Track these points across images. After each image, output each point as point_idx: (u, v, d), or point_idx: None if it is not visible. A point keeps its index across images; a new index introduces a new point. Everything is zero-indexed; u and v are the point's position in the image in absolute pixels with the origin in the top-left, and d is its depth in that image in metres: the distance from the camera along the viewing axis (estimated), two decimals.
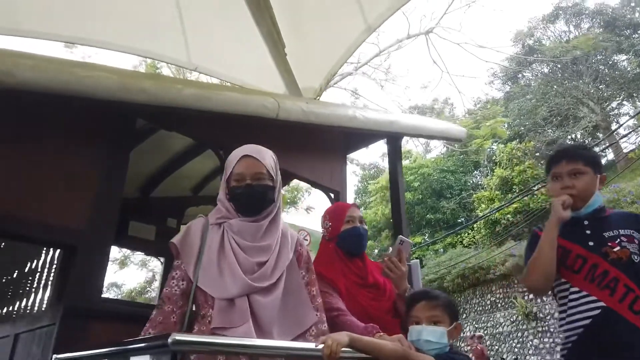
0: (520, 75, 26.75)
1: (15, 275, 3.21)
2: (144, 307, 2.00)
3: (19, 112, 2.14)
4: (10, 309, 3.03)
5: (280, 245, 1.78)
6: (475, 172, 24.87)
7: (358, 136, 3.69)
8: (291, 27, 4.81)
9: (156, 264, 18.42)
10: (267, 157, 1.84)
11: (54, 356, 1.70)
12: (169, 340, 1.16)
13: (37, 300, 2.71)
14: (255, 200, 1.78)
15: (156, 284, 19.20)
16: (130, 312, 2.27)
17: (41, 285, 2.73)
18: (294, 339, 1.65)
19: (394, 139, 3.80)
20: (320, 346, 1.47)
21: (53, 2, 4.57)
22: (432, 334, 1.76)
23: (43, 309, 2.60)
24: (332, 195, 3.49)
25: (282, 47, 4.68)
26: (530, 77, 26.65)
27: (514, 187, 18.48)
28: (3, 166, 2.11)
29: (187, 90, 2.45)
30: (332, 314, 2.01)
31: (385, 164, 27.61)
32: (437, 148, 27.32)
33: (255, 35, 4.51)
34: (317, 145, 3.43)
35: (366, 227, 2.38)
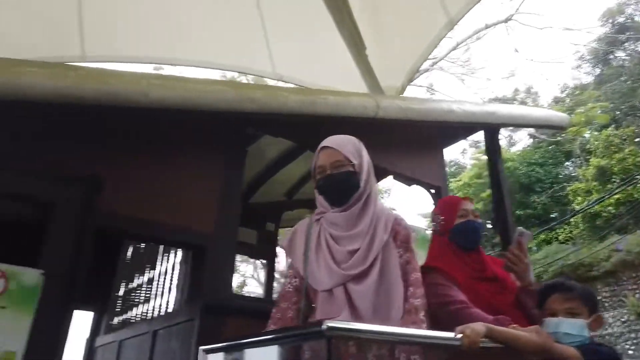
0: (611, 57, 24.66)
1: (146, 277, 3.53)
2: (272, 303, 2.12)
3: (151, 127, 2.37)
4: (145, 308, 3.34)
5: (374, 228, 1.77)
6: (566, 163, 23.23)
7: (455, 129, 3.63)
8: (371, 26, 4.85)
9: (246, 270, 19.19)
10: (346, 143, 1.84)
11: (200, 348, 1.84)
12: (323, 327, 1.23)
13: (170, 299, 2.96)
14: (337, 189, 1.79)
15: (247, 289, 19.97)
16: (259, 308, 2.40)
17: (171, 285, 2.98)
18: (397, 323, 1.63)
19: (492, 131, 3.70)
20: (459, 336, 1.47)
21: (147, 28, 5.02)
22: (571, 327, 1.68)
23: (177, 306, 2.84)
24: (432, 191, 3.46)
25: (363, 48, 4.73)
26: (624, 57, 24.46)
27: (614, 176, 17.01)
28: (138, 176, 2.34)
29: (292, 97, 2.57)
30: (456, 306, 1.98)
31: (465, 160, 26.66)
32: (522, 140, 25.89)
33: (335, 38, 4.61)
34: (414, 141, 3.43)
35: (481, 221, 2.33)
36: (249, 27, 5.40)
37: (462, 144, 25.60)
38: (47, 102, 1.89)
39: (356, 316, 1.61)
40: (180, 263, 2.90)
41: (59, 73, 1.97)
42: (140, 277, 3.60)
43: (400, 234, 1.80)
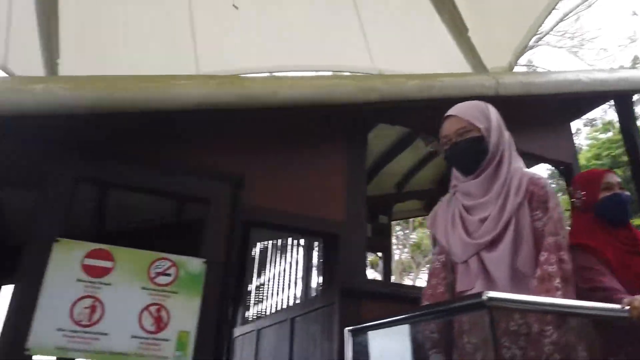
0: None
1: (276, 269, 3.77)
2: (405, 287, 2.19)
3: (281, 123, 2.53)
4: (279, 297, 3.55)
5: (507, 190, 1.67)
6: None
7: (582, 101, 3.37)
8: (472, 6, 4.68)
9: None
10: (469, 108, 1.78)
11: (345, 329, 1.93)
12: (484, 297, 1.23)
13: (305, 287, 3.12)
14: (462, 156, 1.74)
15: None
16: (393, 292, 2.46)
17: (304, 274, 3.14)
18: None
19: (624, 98, 3.38)
20: (627, 308, 1.41)
21: (250, 40, 5.35)
22: None
23: (313, 293, 2.99)
24: (562, 168, 3.25)
25: (465, 30, 4.59)
26: None
27: None
28: (274, 170, 2.50)
29: (410, 82, 2.58)
30: (608, 293, 1.86)
31: (580, 140, 24.43)
32: None
33: (434, 23, 4.52)
34: (539, 117, 3.25)
35: (628, 193, 2.14)
36: (346, 25, 5.50)
37: (575, 124, 23.45)
38: (195, 109, 2.11)
39: (491, 285, 1.54)
40: (313, 252, 3.05)
41: (201, 82, 2.19)
42: (271, 270, 3.84)
43: (535, 194, 1.66)
